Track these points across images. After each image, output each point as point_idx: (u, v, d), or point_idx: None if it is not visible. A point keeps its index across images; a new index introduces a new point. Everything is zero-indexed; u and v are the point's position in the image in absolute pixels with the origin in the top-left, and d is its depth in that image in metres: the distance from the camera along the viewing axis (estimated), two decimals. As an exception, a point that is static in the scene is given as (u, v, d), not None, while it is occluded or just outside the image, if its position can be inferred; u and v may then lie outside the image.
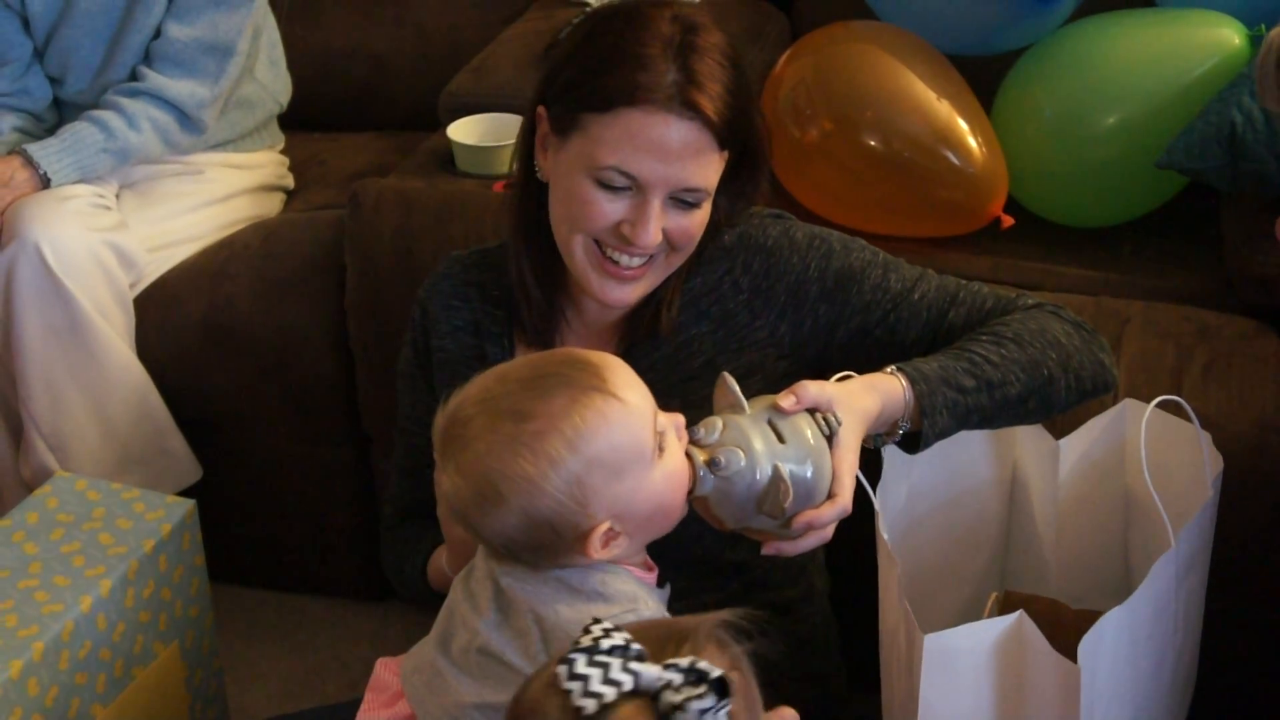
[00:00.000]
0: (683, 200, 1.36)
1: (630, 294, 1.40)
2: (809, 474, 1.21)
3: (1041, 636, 1.24)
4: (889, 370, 1.31)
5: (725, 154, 1.37)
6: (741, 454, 1.19)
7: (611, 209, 1.35)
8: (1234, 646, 1.66)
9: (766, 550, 1.25)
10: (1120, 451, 1.53)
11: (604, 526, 1.16)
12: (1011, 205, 2.04)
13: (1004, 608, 1.44)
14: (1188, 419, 1.42)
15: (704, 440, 1.21)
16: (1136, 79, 1.98)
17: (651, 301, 1.44)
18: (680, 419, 1.22)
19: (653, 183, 1.34)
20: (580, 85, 1.35)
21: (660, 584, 1.26)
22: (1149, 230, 2.07)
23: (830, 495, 1.22)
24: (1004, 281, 1.90)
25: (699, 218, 1.38)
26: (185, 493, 2.06)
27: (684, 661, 0.91)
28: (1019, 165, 2.04)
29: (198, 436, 2.16)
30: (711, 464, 1.19)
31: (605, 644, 0.93)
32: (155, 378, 2.10)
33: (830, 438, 1.22)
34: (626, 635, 0.94)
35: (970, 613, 1.55)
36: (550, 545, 1.17)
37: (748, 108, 1.38)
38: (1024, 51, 2.11)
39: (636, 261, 1.38)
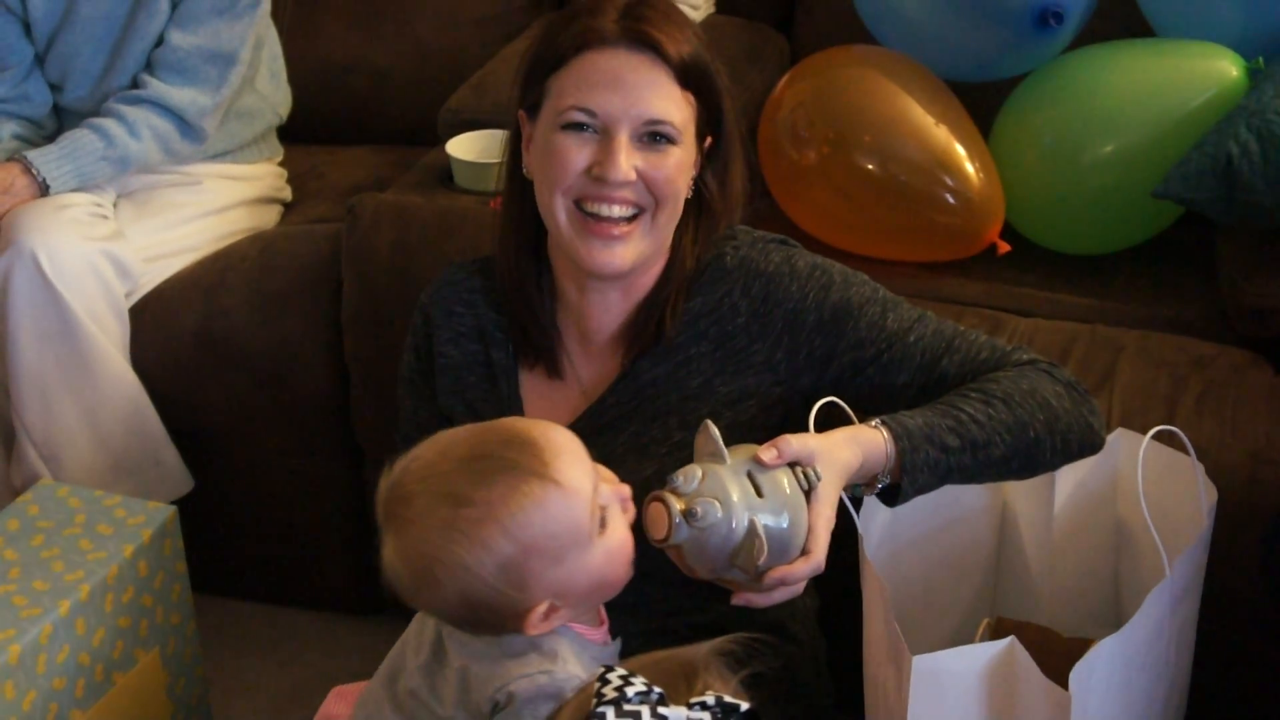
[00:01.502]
0: (651, 136, 1.36)
1: (618, 256, 1.39)
2: (784, 530, 1.20)
3: (1033, 663, 1.23)
4: (873, 424, 1.30)
5: (690, 96, 1.38)
6: (718, 506, 1.19)
7: (580, 154, 1.36)
8: (1225, 677, 1.65)
9: (736, 600, 1.24)
10: (1113, 481, 1.53)
11: (543, 606, 1.17)
12: (1008, 231, 2.04)
13: (995, 634, 1.43)
14: (1182, 449, 1.42)
15: (682, 489, 1.20)
16: (1134, 108, 1.98)
17: (650, 315, 1.44)
18: (625, 490, 1.23)
19: (614, 115, 1.35)
20: (540, 59, 1.39)
21: (614, 635, 1.26)
22: (1144, 259, 2.07)
23: (805, 551, 1.22)
24: (998, 308, 1.91)
25: (673, 160, 1.37)
26: (177, 504, 2.05)
27: (709, 699, 0.91)
28: (1016, 192, 2.04)
29: (190, 447, 2.16)
30: (688, 514, 1.19)
31: (630, 691, 0.93)
32: (149, 388, 2.10)
33: (809, 492, 1.22)
34: (644, 680, 0.94)
35: (960, 639, 1.54)
36: (489, 622, 1.18)
37: (706, 57, 1.39)
38: (1023, 79, 2.11)
39: (618, 211, 1.38)
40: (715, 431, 1.23)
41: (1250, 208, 1.82)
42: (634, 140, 1.36)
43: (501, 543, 1.14)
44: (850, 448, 1.27)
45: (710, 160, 1.44)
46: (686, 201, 1.43)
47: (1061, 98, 2.03)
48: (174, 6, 2.16)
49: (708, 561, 1.21)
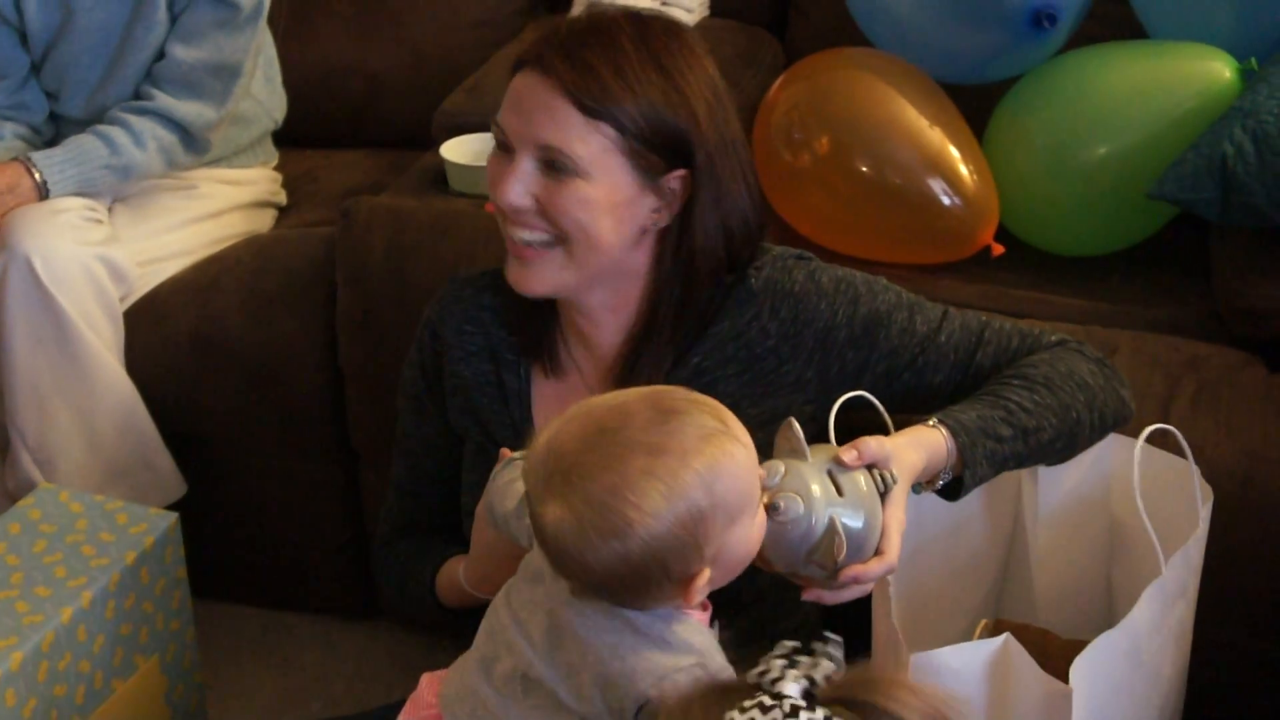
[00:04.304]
0: (550, 164, 1.34)
1: (526, 278, 1.39)
2: (861, 529, 1.22)
3: (1029, 658, 1.24)
4: (930, 423, 1.33)
5: (604, 128, 1.33)
6: (800, 501, 1.20)
7: (496, 171, 1.37)
8: (1222, 675, 1.65)
9: (806, 596, 1.26)
10: (1107, 482, 1.53)
11: (708, 573, 1.15)
12: (1002, 233, 2.05)
13: (993, 634, 1.44)
14: (1176, 448, 1.43)
15: (765, 483, 1.21)
16: (1128, 110, 1.99)
17: (658, 341, 1.42)
18: (763, 472, 1.22)
19: (511, 135, 1.35)
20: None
21: (710, 623, 1.24)
22: (1139, 260, 2.08)
23: (878, 551, 1.24)
24: (993, 309, 1.90)
25: (573, 193, 1.34)
26: (171, 508, 2.05)
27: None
28: (1010, 193, 2.05)
29: (185, 451, 2.16)
30: (770, 508, 1.20)
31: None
32: (143, 392, 2.10)
33: (884, 494, 1.24)
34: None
35: (965, 641, 1.55)
36: (651, 586, 1.14)
37: (652, 105, 1.34)
38: (1017, 80, 2.12)
39: (525, 235, 1.36)
40: (798, 429, 1.24)
41: (1244, 209, 1.83)
42: (537, 166, 1.35)
43: (698, 492, 1.11)
44: (916, 450, 1.30)
45: (693, 198, 1.39)
46: (665, 231, 1.40)
47: (1056, 99, 2.04)
48: (173, 19, 2.16)
49: (785, 555, 1.23)
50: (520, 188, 1.35)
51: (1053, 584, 1.56)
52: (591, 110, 1.32)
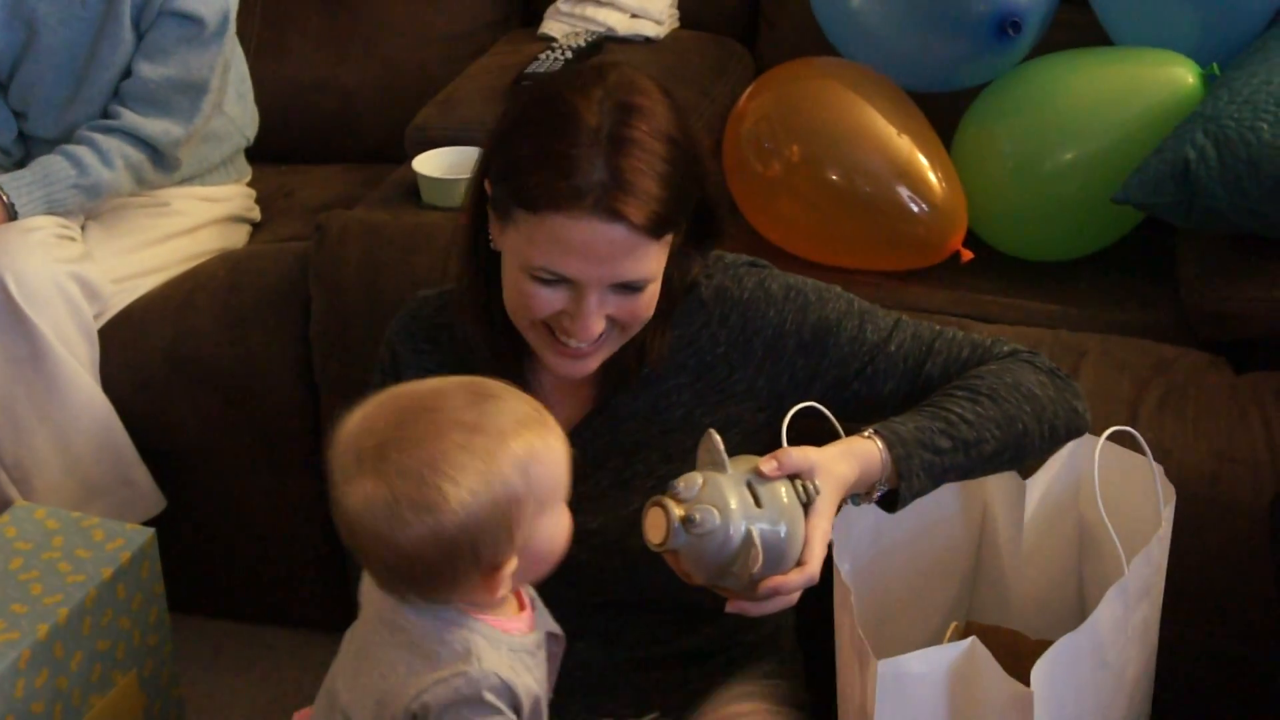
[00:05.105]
0: (625, 287, 1.32)
1: (586, 367, 1.38)
2: (781, 540, 1.22)
3: (994, 662, 1.25)
4: (866, 434, 1.32)
5: (667, 238, 1.33)
6: (716, 513, 1.21)
7: (550, 300, 1.32)
8: (1191, 675, 1.67)
9: (730, 608, 1.26)
10: (1076, 484, 1.54)
11: (514, 563, 1.15)
12: (971, 239, 2.06)
13: (963, 637, 1.45)
14: (1141, 450, 1.44)
15: (682, 495, 1.22)
16: (1093, 116, 2.00)
17: (627, 352, 1.42)
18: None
19: (585, 281, 1.31)
20: (509, 179, 1.32)
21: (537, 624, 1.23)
22: (1106, 264, 2.09)
23: (800, 562, 1.23)
24: (963, 315, 1.92)
25: (645, 298, 1.35)
26: (149, 524, 2.05)
27: None
28: (978, 200, 2.06)
29: (162, 467, 2.15)
30: (686, 521, 1.20)
31: None
32: (119, 408, 2.09)
33: (807, 505, 1.24)
34: None
35: (936, 644, 1.56)
36: (459, 571, 1.13)
37: (687, 186, 1.33)
38: (983, 88, 2.14)
39: (585, 344, 1.35)
40: (718, 440, 1.25)
41: (1208, 213, 1.85)
42: (607, 291, 1.32)
43: (514, 474, 1.12)
44: (847, 461, 1.29)
45: (691, 234, 1.40)
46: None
47: (1022, 106, 2.06)
48: (139, 37, 2.16)
49: (704, 568, 1.23)
50: (600, 321, 1.33)
51: (1025, 585, 1.57)
52: (662, 233, 1.31)
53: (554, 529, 1.18)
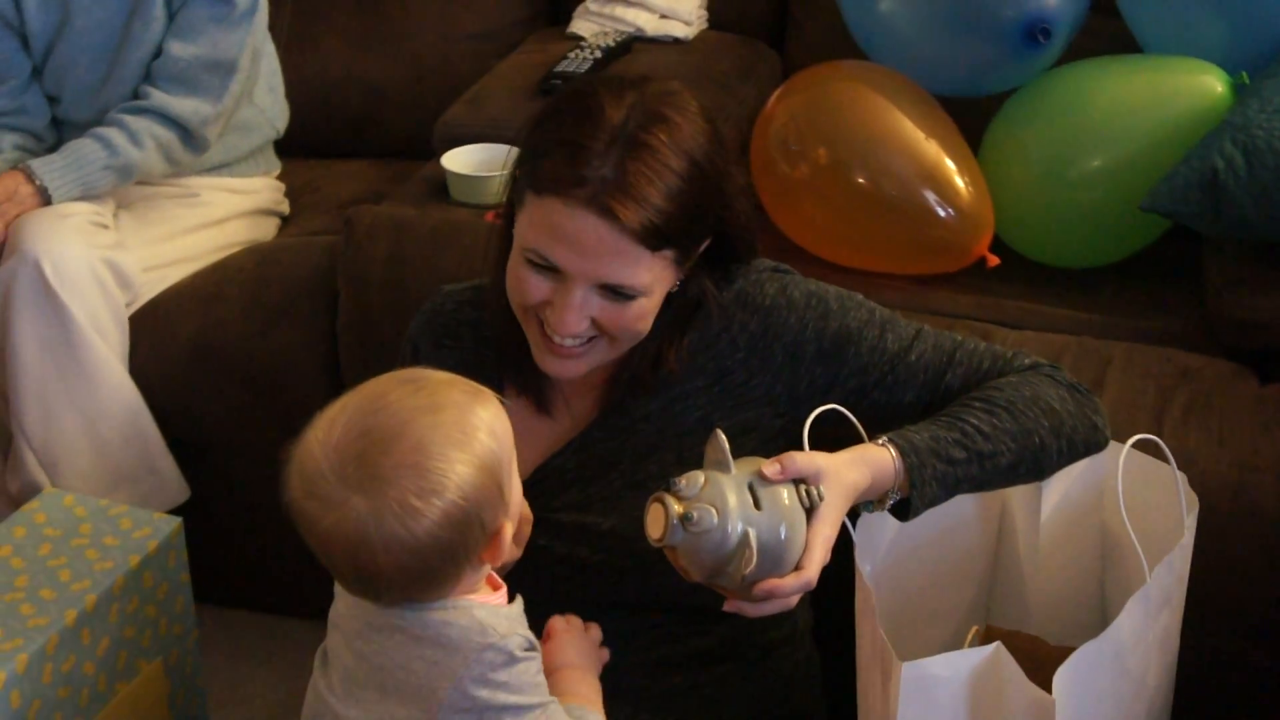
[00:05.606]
0: (612, 290, 1.31)
1: (570, 369, 1.37)
2: (779, 544, 1.22)
3: (1017, 667, 1.25)
4: (880, 441, 1.31)
5: (666, 253, 1.32)
6: (715, 513, 1.21)
7: (538, 287, 1.32)
8: (1211, 683, 1.67)
9: (727, 607, 1.26)
10: (1099, 491, 1.54)
11: (509, 525, 1.18)
12: (997, 245, 2.07)
13: (984, 642, 1.45)
14: (1165, 459, 1.44)
15: (683, 493, 1.22)
16: (1121, 123, 2.01)
17: (646, 353, 1.41)
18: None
19: (571, 272, 1.30)
20: (527, 162, 1.33)
21: (511, 599, 1.24)
22: (1132, 272, 2.09)
23: (799, 567, 1.23)
24: (988, 320, 1.93)
25: (635, 310, 1.33)
26: (173, 513, 2.07)
27: None
28: (1005, 205, 2.06)
29: (187, 457, 2.17)
30: (684, 518, 1.21)
31: None
32: (146, 397, 2.11)
33: (810, 510, 1.24)
34: None
35: (954, 648, 1.56)
36: (470, 549, 1.15)
37: (701, 210, 1.33)
38: (1011, 94, 2.14)
39: (570, 342, 1.34)
40: (724, 440, 1.25)
41: (1235, 222, 1.85)
42: (593, 290, 1.31)
43: (487, 438, 1.15)
44: (858, 468, 1.28)
45: (712, 253, 1.40)
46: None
47: (1050, 112, 2.06)
48: (170, 16, 2.18)
49: (700, 566, 1.24)
50: (580, 317, 1.32)
51: (1045, 591, 1.57)
52: (658, 246, 1.30)
53: (518, 485, 1.22)
